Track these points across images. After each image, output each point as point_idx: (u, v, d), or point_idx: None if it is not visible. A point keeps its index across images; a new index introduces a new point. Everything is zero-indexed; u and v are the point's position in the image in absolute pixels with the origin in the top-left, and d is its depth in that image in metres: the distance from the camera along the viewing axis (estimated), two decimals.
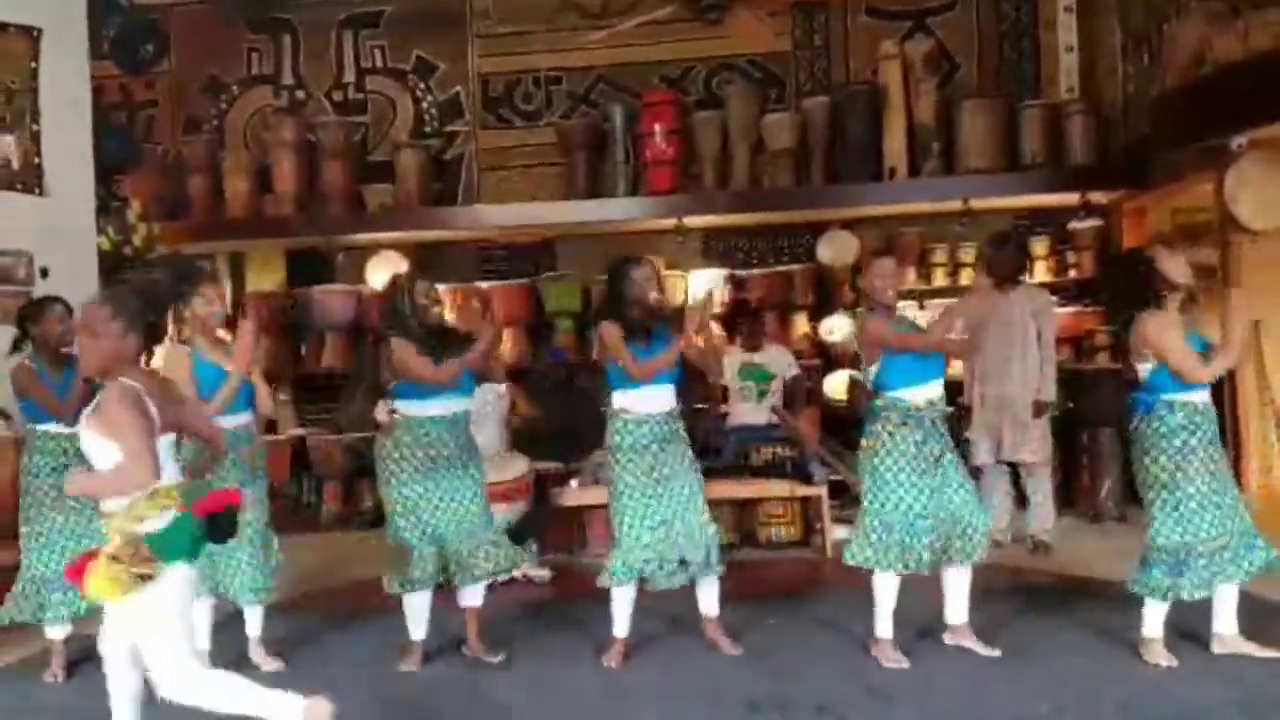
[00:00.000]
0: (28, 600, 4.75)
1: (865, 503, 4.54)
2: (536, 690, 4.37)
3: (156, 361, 4.41)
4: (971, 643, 4.53)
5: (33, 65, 6.82)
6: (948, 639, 4.61)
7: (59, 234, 6.88)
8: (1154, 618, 4.35)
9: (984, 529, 4.46)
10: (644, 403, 4.57)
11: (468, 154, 9.24)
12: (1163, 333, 4.26)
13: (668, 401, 4.63)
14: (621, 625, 4.64)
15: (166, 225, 8.28)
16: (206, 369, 4.60)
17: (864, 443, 4.57)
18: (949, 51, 8.75)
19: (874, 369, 4.54)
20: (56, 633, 4.78)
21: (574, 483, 6.79)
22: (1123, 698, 4.01)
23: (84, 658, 4.89)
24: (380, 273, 8.88)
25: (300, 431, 8.65)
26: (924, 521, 4.40)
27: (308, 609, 5.64)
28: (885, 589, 4.48)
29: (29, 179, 6.80)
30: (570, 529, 6.81)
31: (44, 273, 6.74)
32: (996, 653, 4.46)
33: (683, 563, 4.55)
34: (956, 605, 4.57)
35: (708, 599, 4.70)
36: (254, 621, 4.79)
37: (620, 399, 4.62)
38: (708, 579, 4.65)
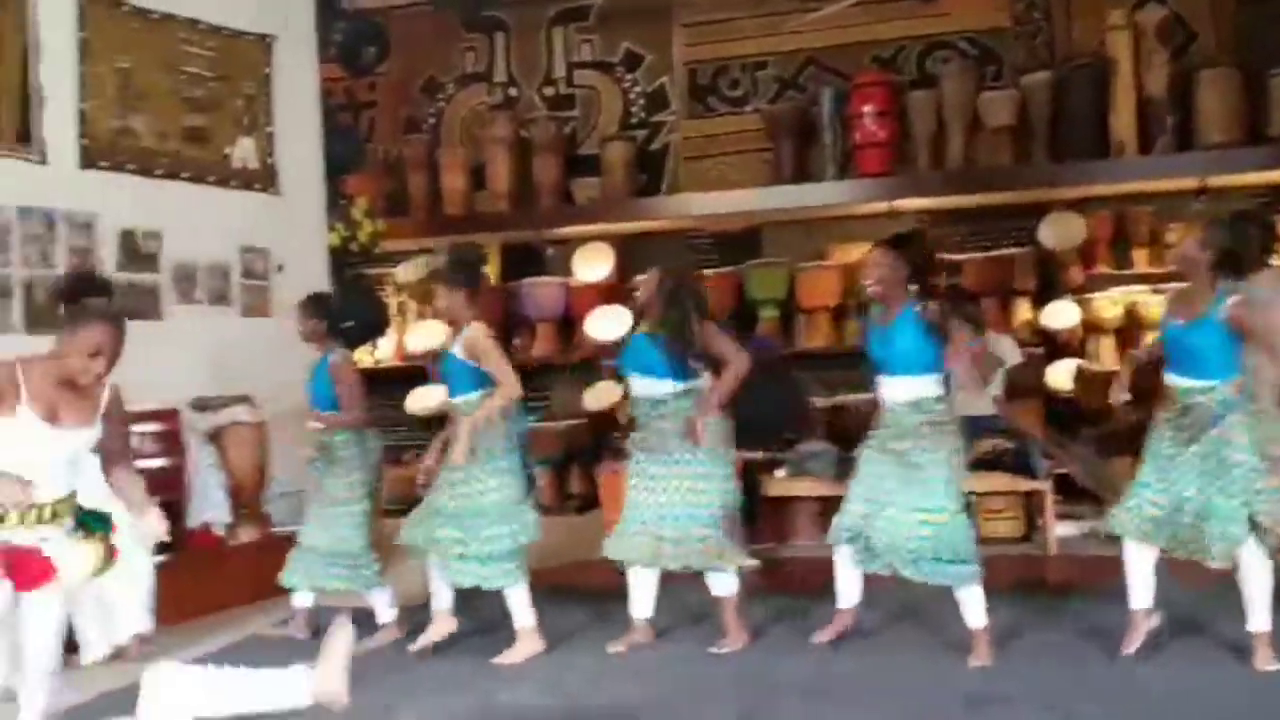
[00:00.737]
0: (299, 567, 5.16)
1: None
2: (748, 680, 4.32)
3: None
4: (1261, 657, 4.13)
5: (266, 71, 7.23)
6: None
7: (292, 231, 7.28)
8: None
9: (1217, 532, 4.06)
10: (887, 390, 4.47)
11: (673, 143, 9.25)
12: None
13: (911, 392, 4.38)
14: (846, 596, 4.55)
15: (389, 222, 8.64)
16: (446, 356, 4.90)
17: None
18: (1184, 19, 8.19)
19: None
20: (301, 601, 5.18)
21: (780, 472, 6.72)
22: None
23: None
24: (587, 265, 9.02)
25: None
26: (1154, 495, 4.19)
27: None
28: (1128, 559, 4.28)
29: (265, 179, 7.21)
30: (776, 519, 6.74)
31: (280, 268, 7.14)
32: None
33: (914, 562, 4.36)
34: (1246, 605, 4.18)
35: (966, 610, 4.39)
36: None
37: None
38: (961, 590, 4.36)
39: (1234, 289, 4.19)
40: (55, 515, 3.26)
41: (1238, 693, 3.94)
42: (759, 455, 6.69)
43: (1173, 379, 4.22)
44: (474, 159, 9.23)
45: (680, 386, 4.74)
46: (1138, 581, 4.28)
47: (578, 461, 8.49)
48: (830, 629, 4.56)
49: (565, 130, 9.32)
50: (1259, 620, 4.14)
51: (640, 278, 4.83)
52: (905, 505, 4.33)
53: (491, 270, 9.59)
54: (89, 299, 3.29)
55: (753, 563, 6.21)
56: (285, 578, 5.19)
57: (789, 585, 5.61)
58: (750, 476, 6.47)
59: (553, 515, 8.24)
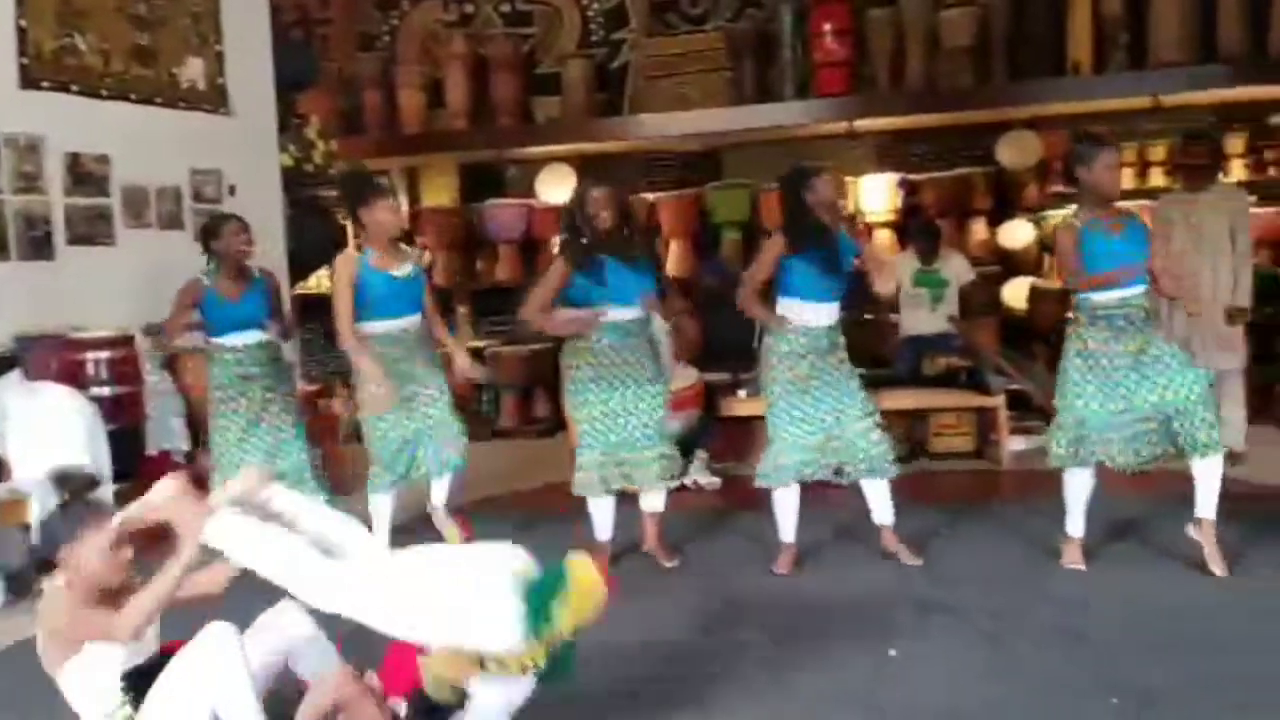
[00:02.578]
0: None
1: (1056, 401, 4.43)
2: (710, 595, 4.41)
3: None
4: (1209, 546, 4.25)
5: None
6: (1190, 531, 4.33)
7: (244, 152, 7.16)
8: None
9: (1208, 418, 4.17)
10: (807, 314, 4.51)
11: (633, 62, 9.14)
12: None
13: (830, 317, 4.56)
14: (786, 531, 4.64)
15: (343, 141, 8.53)
16: (372, 275, 4.76)
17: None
18: None
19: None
20: None
21: (742, 392, 6.78)
22: None
23: None
24: (550, 186, 8.96)
25: (477, 343, 8.87)
26: (1126, 415, 4.24)
27: (492, 512, 5.81)
28: (1070, 486, 4.39)
29: (215, 99, 7.07)
30: (739, 438, 6.82)
31: (232, 190, 7.04)
32: (1220, 571, 4.21)
33: (838, 471, 4.54)
34: (1201, 499, 4.26)
35: (879, 507, 4.62)
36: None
37: (784, 307, 4.55)
38: (875, 484, 4.57)
39: None
40: None
41: (1195, 596, 4.05)
42: (722, 377, 6.75)
43: (1110, 295, 4.24)
44: (430, 76, 9.10)
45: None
46: (1079, 509, 4.41)
47: (543, 385, 8.52)
48: (787, 561, 4.64)
49: (524, 48, 9.19)
50: (1208, 507, 4.23)
51: (595, 194, 4.65)
52: (847, 419, 4.52)
53: (451, 190, 9.52)
54: None
55: (714, 481, 6.37)
56: None
57: (749, 502, 5.69)
58: (710, 398, 6.55)
59: (517, 439, 8.33)
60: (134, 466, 5.69)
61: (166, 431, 6.15)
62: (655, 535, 4.86)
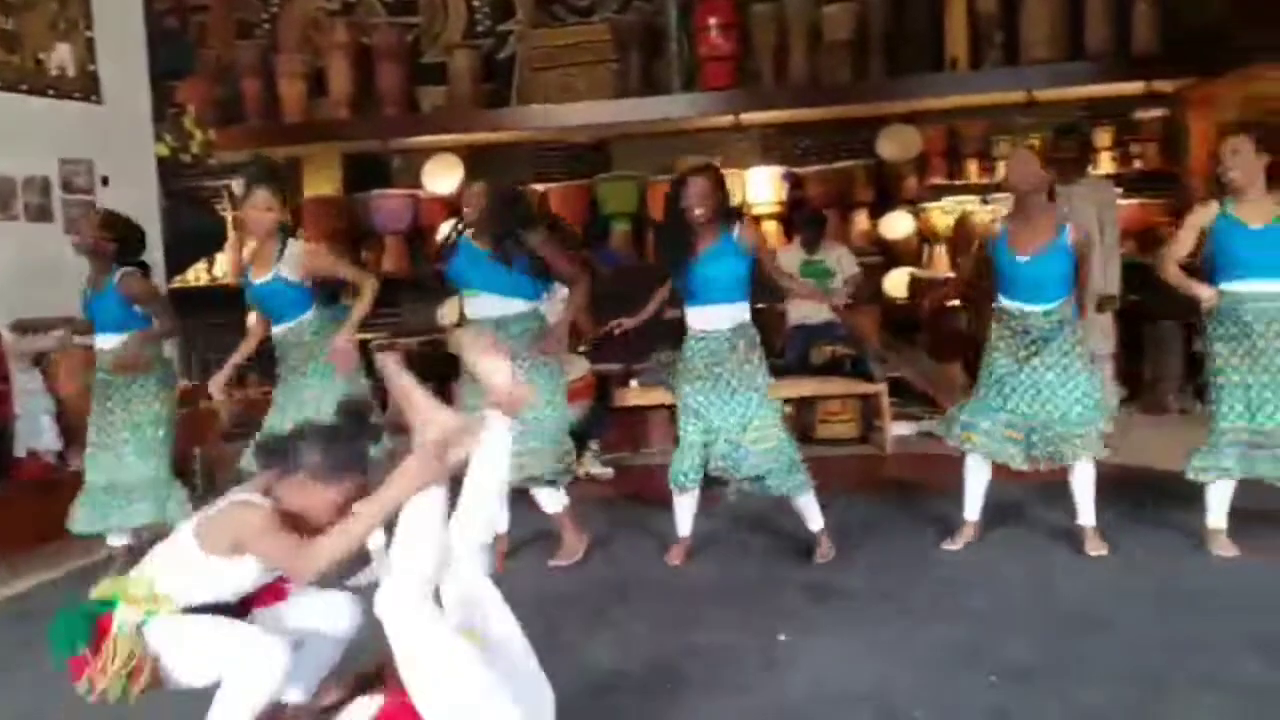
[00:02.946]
0: (85, 509, 4.77)
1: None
2: (603, 587, 4.43)
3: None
4: (1088, 544, 4.43)
5: None
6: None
7: (117, 141, 6.94)
8: (1214, 507, 4.33)
9: (1079, 429, 4.34)
10: (705, 319, 4.46)
11: (520, 53, 9.09)
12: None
13: (732, 318, 4.45)
14: (683, 525, 4.67)
15: (222, 131, 8.30)
16: (247, 283, 4.75)
17: None
18: None
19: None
20: (116, 540, 4.85)
21: (634, 383, 6.83)
22: (1188, 589, 3.99)
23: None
24: (435, 176, 8.86)
25: (362, 336, 8.71)
26: (1001, 415, 4.42)
27: None
28: (969, 471, 4.56)
29: (86, 87, 6.84)
30: (631, 429, 6.87)
31: (104, 180, 6.82)
32: (1102, 550, 4.40)
33: (755, 479, 4.49)
34: (1079, 506, 4.46)
35: (808, 515, 4.60)
36: None
37: (687, 313, 4.54)
38: (798, 499, 4.55)
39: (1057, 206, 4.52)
40: None
41: (1070, 576, 4.22)
42: (615, 367, 6.78)
43: (1012, 304, 4.41)
44: (312, 65, 8.91)
45: (530, 305, 4.69)
46: (976, 493, 4.58)
47: (431, 378, 8.42)
48: (680, 552, 4.66)
49: (408, 37, 9.06)
50: (1087, 515, 4.45)
51: (469, 190, 4.72)
52: (737, 430, 4.44)
53: (334, 180, 9.35)
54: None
55: (606, 471, 6.39)
56: (78, 520, 4.76)
57: (641, 492, 5.74)
58: (603, 388, 6.57)
59: (406, 434, 8.21)
60: (2, 466, 5.48)
61: (36, 431, 5.93)
62: (567, 528, 4.76)
